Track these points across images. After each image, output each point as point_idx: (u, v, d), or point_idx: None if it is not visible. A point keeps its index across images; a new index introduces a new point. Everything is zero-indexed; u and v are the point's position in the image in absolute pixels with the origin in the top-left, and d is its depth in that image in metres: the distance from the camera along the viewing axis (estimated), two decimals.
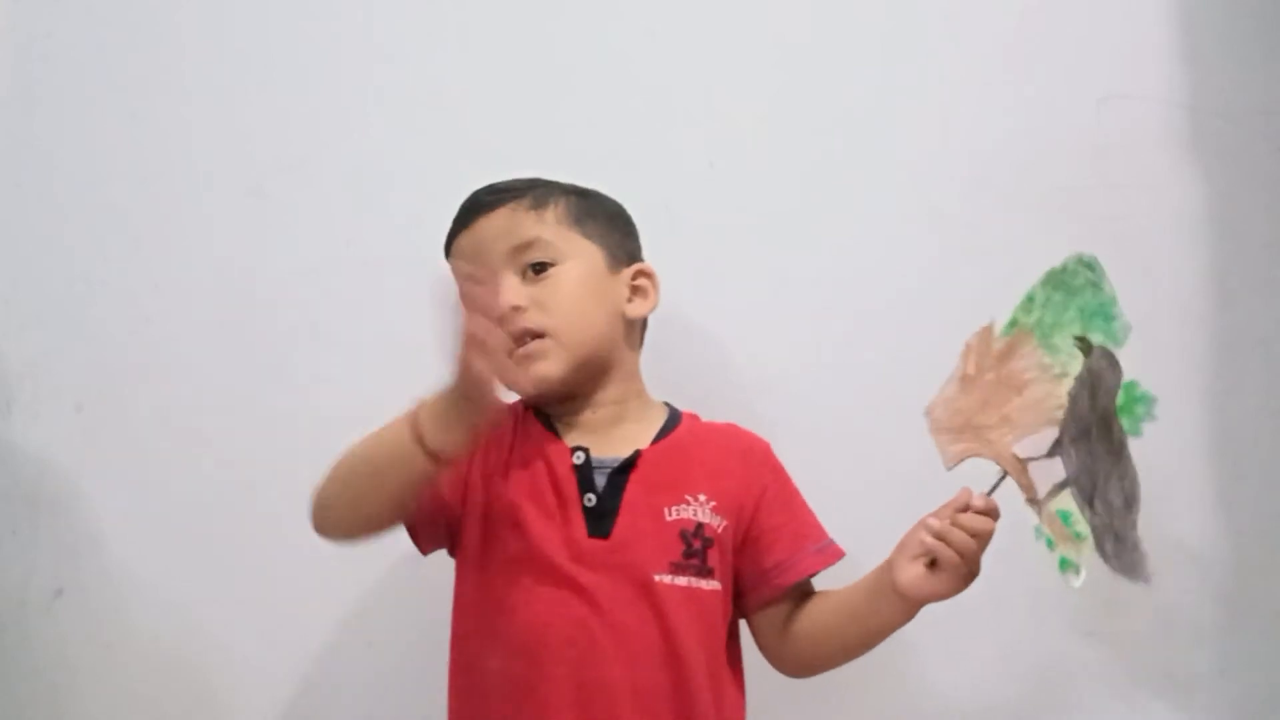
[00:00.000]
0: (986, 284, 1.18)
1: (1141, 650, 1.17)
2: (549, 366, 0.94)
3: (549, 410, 1.00)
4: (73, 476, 1.24)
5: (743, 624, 1.00)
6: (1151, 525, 1.17)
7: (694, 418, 1.02)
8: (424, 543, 0.99)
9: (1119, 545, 0.83)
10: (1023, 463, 0.85)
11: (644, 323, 1.03)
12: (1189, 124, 1.23)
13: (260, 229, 1.26)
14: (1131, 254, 1.20)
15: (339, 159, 1.26)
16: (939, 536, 0.86)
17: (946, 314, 1.18)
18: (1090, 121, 1.22)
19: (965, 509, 0.86)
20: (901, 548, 0.90)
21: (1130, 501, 0.83)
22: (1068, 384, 0.84)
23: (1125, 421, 0.83)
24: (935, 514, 0.88)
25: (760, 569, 0.97)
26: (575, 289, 0.96)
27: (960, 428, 0.86)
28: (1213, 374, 1.20)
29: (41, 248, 1.28)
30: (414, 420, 0.86)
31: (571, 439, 0.97)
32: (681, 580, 0.92)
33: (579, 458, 0.95)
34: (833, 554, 0.98)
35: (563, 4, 1.28)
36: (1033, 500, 0.85)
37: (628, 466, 0.95)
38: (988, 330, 0.86)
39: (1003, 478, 0.86)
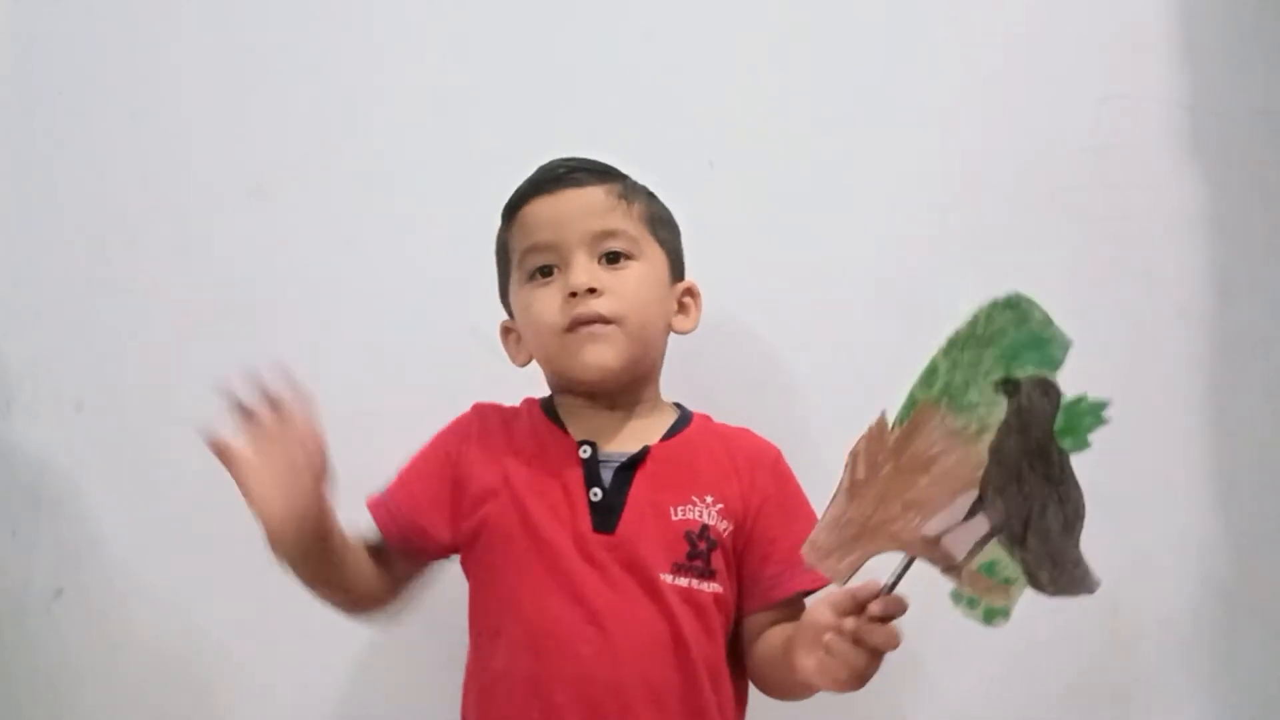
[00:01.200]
0: (987, 284, 1.19)
1: (1141, 650, 1.17)
2: (613, 355, 0.94)
3: (562, 404, 1.00)
4: (73, 476, 1.24)
5: None
6: (1152, 525, 1.18)
7: (706, 419, 1.02)
8: (434, 555, 0.99)
9: (1056, 570, 0.75)
10: (935, 540, 0.76)
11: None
12: (1189, 124, 1.23)
13: (260, 229, 1.26)
14: (1131, 254, 1.21)
15: (339, 159, 1.26)
16: (829, 649, 0.78)
17: (946, 314, 1.19)
18: (1090, 121, 1.22)
19: (862, 612, 0.77)
20: (802, 631, 0.83)
21: (1071, 523, 0.75)
22: (987, 438, 0.74)
23: (1069, 442, 0.75)
24: (836, 605, 0.79)
25: (751, 578, 0.95)
26: (647, 287, 0.96)
27: (853, 538, 0.76)
28: (1213, 374, 1.20)
29: (41, 248, 1.28)
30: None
31: (578, 433, 0.96)
32: (682, 581, 0.91)
33: (585, 451, 0.95)
34: (822, 576, 0.92)
35: (563, 4, 1.28)
36: (950, 568, 0.76)
37: (635, 463, 0.94)
38: (879, 424, 0.76)
39: (908, 564, 0.77)
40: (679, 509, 0.93)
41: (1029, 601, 1.16)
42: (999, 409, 0.74)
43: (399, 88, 1.27)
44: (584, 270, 0.94)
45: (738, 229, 1.22)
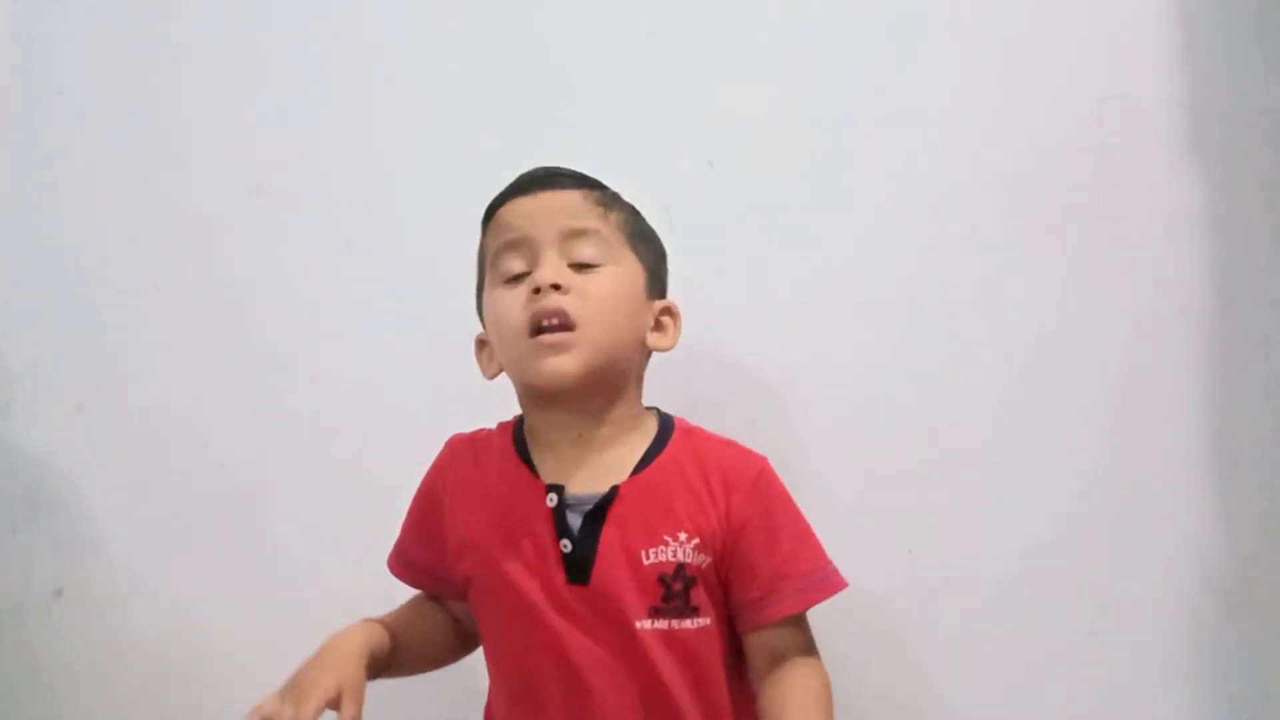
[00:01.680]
0: (987, 284, 1.19)
1: (1141, 650, 1.17)
2: (571, 362, 0.89)
3: (533, 427, 0.96)
4: (73, 476, 1.24)
5: None
6: (1152, 525, 1.18)
7: (686, 432, 0.96)
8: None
9: None
10: None
11: (648, 358, 0.99)
12: (1189, 124, 1.22)
13: (260, 229, 1.26)
14: (1131, 254, 1.21)
15: (339, 159, 1.26)
16: None
17: (947, 314, 1.19)
18: (1090, 121, 1.22)
19: None
20: None
21: None
22: None
23: None
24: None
25: (740, 602, 0.92)
26: (615, 293, 0.92)
27: None
28: (1213, 374, 1.20)
29: (41, 248, 1.28)
30: None
31: (547, 472, 0.93)
32: (661, 624, 0.88)
33: (552, 500, 0.91)
34: (815, 592, 0.91)
35: (563, 4, 1.28)
36: None
37: (604, 505, 0.90)
38: None
39: None
40: (650, 552, 0.89)
41: (1029, 601, 1.17)
42: None
43: (399, 88, 1.27)
44: (551, 266, 0.90)
45: (737, 229, 1.22)
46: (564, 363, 0.89)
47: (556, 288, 0.89)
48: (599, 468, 0.92)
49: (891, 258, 1.22)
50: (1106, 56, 1.24)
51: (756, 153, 1.24)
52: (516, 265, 0.93)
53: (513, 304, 0.91)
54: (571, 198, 0.95)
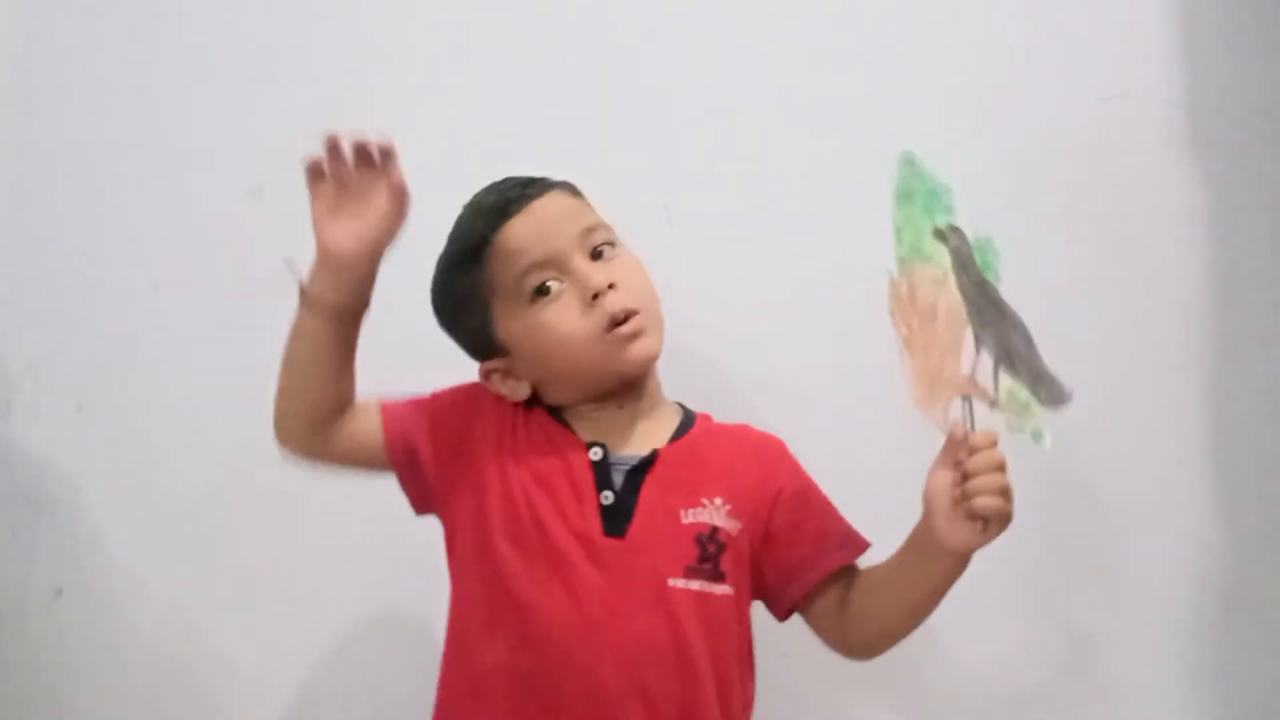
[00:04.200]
0: None
1: (1141, 650, 1.17)
2: (652, 343, 0.95)
3: (563, 405, 0.98)
4: (73, 476, 1.24)
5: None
6: (1151, 525, 1.18)
7: (707, 418, 1.01)
8: (412, 495, 0.98)
9: (1044, 383, 0.85)
10: (971, 378, 0.85)
11: None
12: (1189, 124, 1.23)
13: (260, 229, 1.26)
14: (1131, 254, 1.21)
15: None
16: (975, 493, 0.83)
17: None
18: (1090, 121, 1.22)
19: (971, 450, 0.84)
20: (934, 509, 0.87)
21: (1029, 341, 0.85)
22: (951, 279, 0.86)
23: (990, 275, 0.86)
24: (940, 462, 0.87)
25: (784, 567, 0.95)
26: (640, 268, 0.97)
27: (931, 389, 0.85)
28: (1213, 374, 1.20)
29: (41, 248, 1.28)
30: (301, 296, 0.93)
31: (586, 435, 0.96)
32: (695, 584, 0.90)
33: (596, 454, 0.94)
34: (855, 547, 0.97)
35: (563, 4, 1.28)
36: (992, 403, 0.85)
37: (645, 466, 0.93)
38: (894, 284, 0.88)
39: (969, 405, 0.85)
40: (689, 512, 0.92)
41: (1029, 601, 1.17)
42: (945, 255, 0.86)
43: (398, 88, 1.27)
44: (593, 270, 0.93)
45: (738, 229, 1.22)
46: (649, 344, 0.94)
47: (611, 286, 0.93)
48: (639, 435, 0.96)
49: (891, 257, 1.21)
50: (1106, 56, 1.24)
51: (756, 153, 1.24)
52: (548, 281, 0.94)
53: (566, 316, 0.93)
54: (559, 199, 0.97)
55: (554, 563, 0.90)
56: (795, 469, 1.00)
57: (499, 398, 0.99)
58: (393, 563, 1.16)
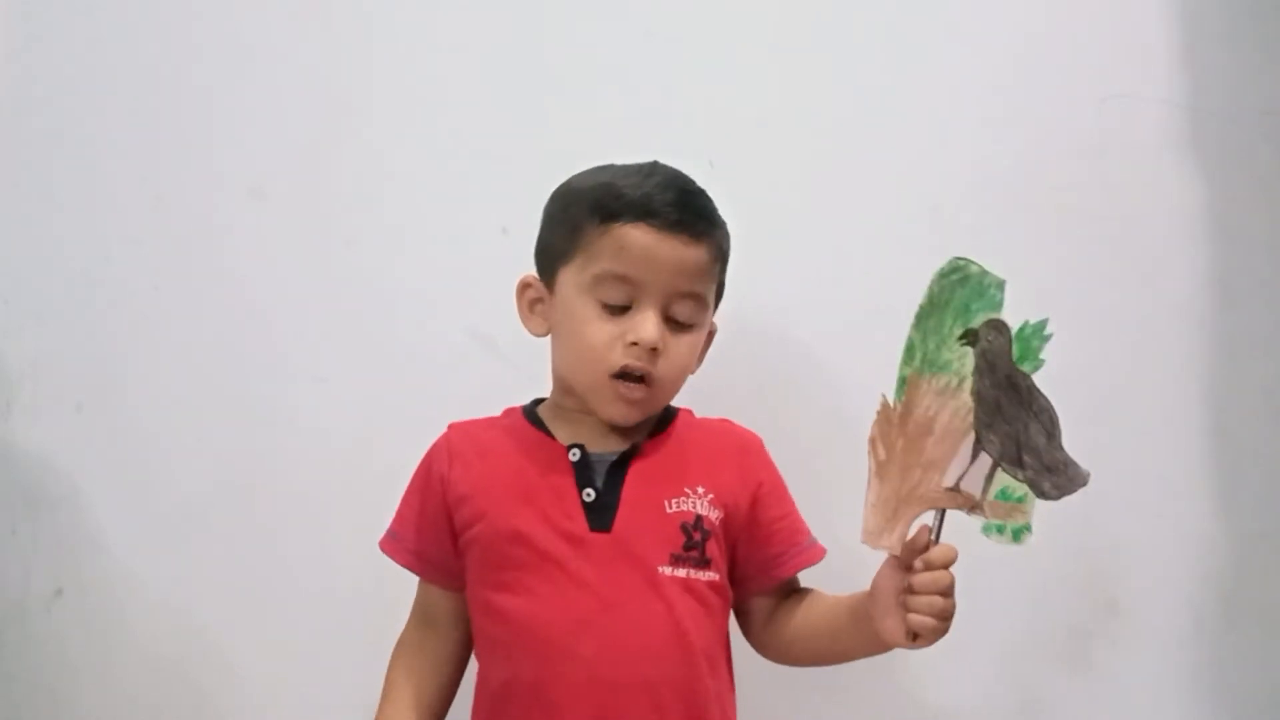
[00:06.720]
0: None
1: (1142, 650, 1.17)
2: (637, 412, 0.96)
3: (551, 407, 1.01)
4: (73, 476, 1.24)
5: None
6: (1152, 525, 1.18)
7: (688, 413, 1.03)
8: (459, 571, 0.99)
9: (1054, 476, 0.85)
10: (955, 488, 0.86)
11: None
12: (1189, 124, 1.23)
13: (260, 229, 1.26)
14: (1131, 254, 1.21)
15: (339, 159, 1.26)
16: (914, 609, 0.85)
17: None
18: (1090, 121, 1.22)
19: (926, 564, 0.85)
20: (876, 599, 0.89)
21: (1051, 432, 0.85)
22: (968, 384, 0.85)
23: (1028, 365, 0.85)
24: (892, 562, 0.88)
25: (757, 559, 0.98)
26: (691, 353, 0.98)
27: (893, 512, 0.87)
28: (1213, 374, 1.20)
29: (41, 248, 1.28)
30: None
31: (565, 437, 0.97)
32: (681, 572, 0.92)
33: (575, 454, 0.95)
34: (818, 551, 1.00)
35: (562, 4, 1.28)
36: (973, 507, 0.85)
37: (626, 459, 0.95)
38: (883, 408, 0.88)
39: (942, 516, 0.86)
40: (673, 501, 0.94)
41: (1028, 602, 1.17)
42: (969, 358, 0.86)
43: (398, 88, 1.27)
44: (655, 326, 0.93)
45: (737, 229, 1.22)
46: (632, 412, 0.96)
47: (654, 350, 0.94)
48: (616, 435, 0.97)
49: (892, 258, 1.21)
50: (1106, 56, 1.24)
51: (756, 153, 1.24)
52: (617, 297, 0.95)
53: (601, 333, 0.94)
54: (698, 257, 0.96)
55: (546, 568, 0.91)
56: (771, 466, 1.02)
57: (457, 431, 1.00)
58: (393, 563, 1.16)
